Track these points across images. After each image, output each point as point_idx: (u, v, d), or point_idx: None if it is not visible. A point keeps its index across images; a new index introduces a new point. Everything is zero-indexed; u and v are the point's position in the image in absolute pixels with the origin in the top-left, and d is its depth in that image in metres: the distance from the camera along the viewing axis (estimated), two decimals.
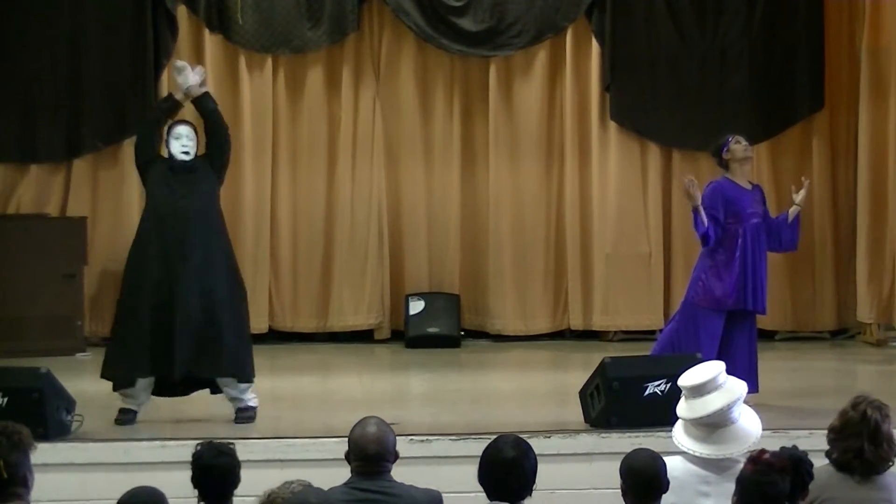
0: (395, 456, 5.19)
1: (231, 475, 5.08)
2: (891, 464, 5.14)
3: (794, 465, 4.67)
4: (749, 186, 9.05)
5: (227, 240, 8.60)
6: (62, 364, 9.58)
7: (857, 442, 5.08)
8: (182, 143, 8.32)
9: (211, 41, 12.23)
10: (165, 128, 8.44)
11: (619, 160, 12.45)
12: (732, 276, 8.85)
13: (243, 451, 7.59)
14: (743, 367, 8.34)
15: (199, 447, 5.13)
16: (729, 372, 5.56)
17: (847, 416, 5.14)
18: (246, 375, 8.43)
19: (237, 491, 7.27)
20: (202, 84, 8.51)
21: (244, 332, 8.55)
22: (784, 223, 9.09)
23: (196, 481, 5.04)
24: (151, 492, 4.76)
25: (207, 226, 8.37)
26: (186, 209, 8.26)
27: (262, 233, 12.25)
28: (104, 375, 8.45)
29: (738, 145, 9.02)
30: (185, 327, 8.20)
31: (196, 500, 5.07)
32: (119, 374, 8.35)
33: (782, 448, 4.78)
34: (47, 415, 7.75)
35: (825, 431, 5.25)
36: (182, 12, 12.17)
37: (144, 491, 4.76)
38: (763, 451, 4.63)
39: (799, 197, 9.17)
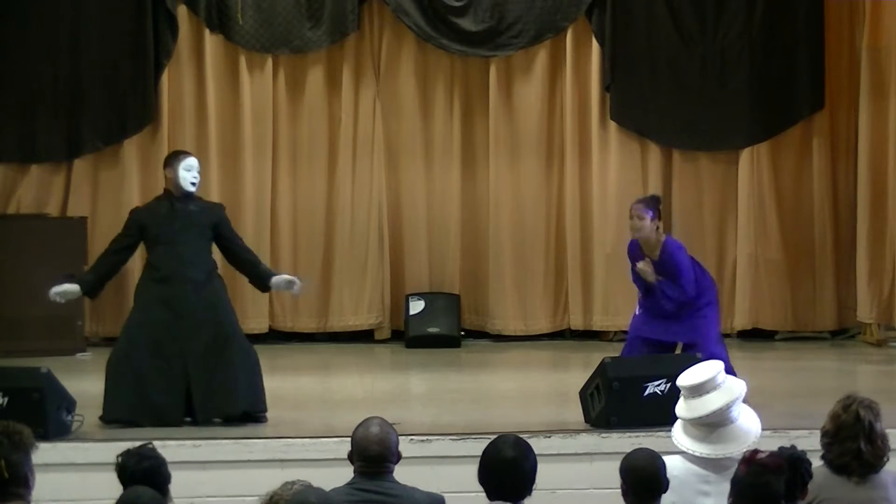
0: (398, 457, 5.19)
1: (159, 476, 5.03)
2: (886, 459, 5.14)
3: (792, 464, 4.67)
4: (655, 256, 9.01)
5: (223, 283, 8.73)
6: (62, 364, 9.58)
7: (853, 444, 5.08)
8: (193, 174, 8.59)
9: (211, 41, 12.23)
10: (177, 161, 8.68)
11: (619, 160, 12.45)
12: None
13: (244, 451, 7.70)
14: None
15: (120, 458, 5.09)
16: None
17: (840, 419, 5.13)
18: (260, 410, 8.46)
19: (237, 491, 7.31)
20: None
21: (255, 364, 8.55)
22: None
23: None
24: (149, 492, 4.75)
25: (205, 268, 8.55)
26: (185, 258, 8.46)
27: (262, 233, 12.25)
28: (110, 418, 8.33)
29: (630, 221, 9.06)
30: (198, 369, 8.33)
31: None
32: (127, 418, 8.32)
33: (780, 448, 4.78)
34: (47, 415, 7.75)
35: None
36: (182, 12, 12.17)
37: (142, 492, 4.75)
38: (756, 452, 4.62)
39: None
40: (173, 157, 8.76)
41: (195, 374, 8.29)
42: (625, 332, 12.14)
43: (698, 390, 5.43)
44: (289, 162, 12.37)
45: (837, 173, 12.65)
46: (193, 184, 8.59)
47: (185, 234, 8.50)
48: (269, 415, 8.50)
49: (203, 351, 8.31)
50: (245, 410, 8.35)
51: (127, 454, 5.09)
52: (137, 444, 5.22)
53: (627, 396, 7.99)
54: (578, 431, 8.00)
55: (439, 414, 8.88)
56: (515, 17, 12.35)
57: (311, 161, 12.38)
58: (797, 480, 4.66)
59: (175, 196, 8.60)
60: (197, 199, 8.73)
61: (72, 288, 8.59)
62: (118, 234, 8.76)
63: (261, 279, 8.80)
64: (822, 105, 12.52)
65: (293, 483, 4.67)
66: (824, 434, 5.16)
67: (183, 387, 8.30)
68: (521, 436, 4.97)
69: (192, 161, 8.65)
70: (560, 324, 12.56)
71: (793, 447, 4.80)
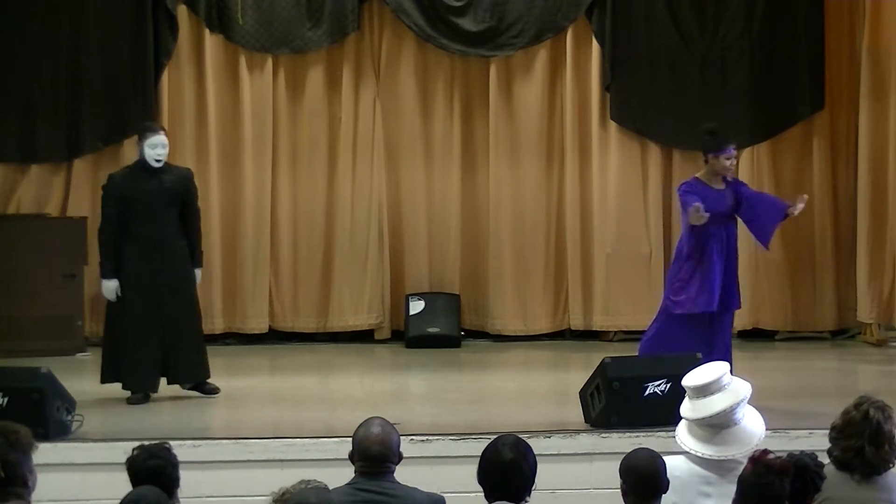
0: (399, 457, 5.19)
1: (165, 476, 5.01)
2: (891, 465, 5.13)
3: (800, 470, 4.67)
4: (722, 186, 9.05)
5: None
6: (62, 364, 9.59)
7: (857, 441, 5.07)
8: (157, 152, 9.09)
9: (211, 41, 12.23)
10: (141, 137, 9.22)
11: (619, 160, 12.45)
12: (709, 279, 8.95)
13: (244, 451, 7.69)
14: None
15: (133, 452, 5.11)
16: None
17: (849, 415, 5.13)
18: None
19: (237, 491, 7.30)
20: None
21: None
22: (771, 213, 9.14)
23: (133, 486, 5.01)
24: (153, 492, 4.74)
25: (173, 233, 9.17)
26: (158, 233, 9.11)
27: (262, 233, 12.25)
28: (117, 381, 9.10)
29: (727, 161, 9.03)
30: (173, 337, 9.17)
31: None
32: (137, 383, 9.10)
33: (802, 453, 4.79)
34: (48, 415, 7.75)
35: (825, 431, 5.24)
36: (182, 12, 12.17)
37: (147, 491, 4.74)
38: (765, 452, 4.62)
39: (796, 210, 9.14)
40: (141, 132, 9.25)
41: (171, 341, 9.07)
42: (625, 332, 12.23)
43: (703, 391, 5.43)
44: (289, 162, 12.36)
45: (837, 173, 12.65)
46: (158, 161, 9.05)
47: (162, 210, 9.04)
48: (269, 415, 8.57)
49: (177, 320, 9.09)
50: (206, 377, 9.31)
51: (139, 450, 5.10)
52: (144, 442, 5.22)
53: (627, 396, 7.99)
54: (578, 431, 8.00)
55: (439, 414, 8.88)
56: (515, 16, 12.35)
57: (311, 161, 12.38)
58: (800, 486, 4.66)
59: (149, 168, 9.06)
60: (169, 167, 9.22)
61: (115, 284, 9.04)
62: (106, 212, 9.17)
63: None
64: (822, 105, 12.52)
65: (308, 482, 4.67)
66: (832, 429, 5.17)
67: (159, 356, 9.07)
68: (521, 436, 4.97)
69: (156, 139, 9.08)
70: (560, 324, 12.56)
71: (811, 455, 4.80)
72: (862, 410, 5.11)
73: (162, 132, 9.21)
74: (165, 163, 9.15)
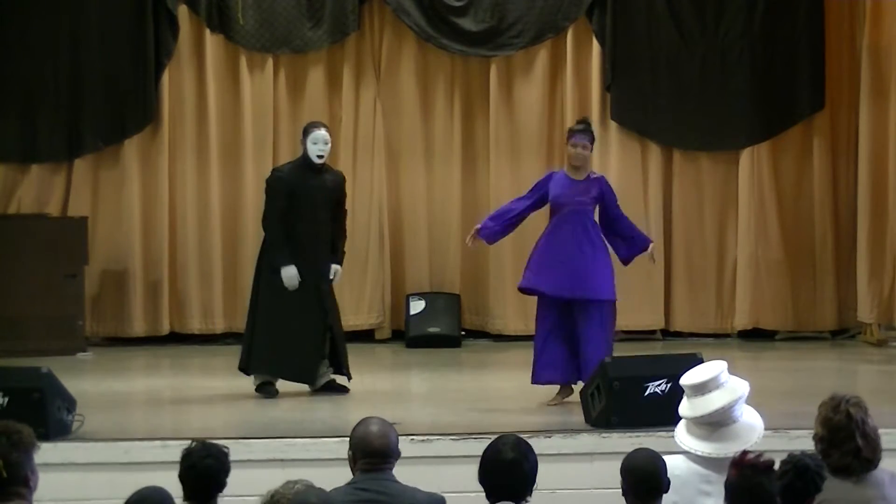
0: (398, 454, 5.20)
1: (214, 479, 5.02)
2: (881, 454, 5.12)
3: (800, 471, 4.66)
4: (581, 177, 9.07)
5: None
6: (63, 364, 9.58)
7: (851, 443, 5.04)
8: (319, 147, 9.22)
9: (212, 41, 12.24)
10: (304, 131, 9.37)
11: (619, 160, 12.45)
12: (541, 261, 9.18)
13: (244, 451, 7.68)
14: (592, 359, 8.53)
15: (192, 444, 5.11)
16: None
17: (832, 421, 5.07)
18: None
19: (237, 491, 7.27)
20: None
21: None
22: (636, 242, 9.28)
23: (181, 478, 5.03)
24: (159, 492, 4.74)
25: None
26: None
27: (263, 233, 12.22)
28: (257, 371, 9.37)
29: (573, 149, 9.08)
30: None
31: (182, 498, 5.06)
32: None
33: (803, 453, 4.77)
34: (48, 415, 7.74)
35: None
36: (183, 12, 12.18)
37: (150, 492, 4.74)
38: (744, 454, 4.60)
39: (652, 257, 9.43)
40: (305, 129, 9.39)
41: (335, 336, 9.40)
42: (625, 332, 12.20)
43: (701, 389, 5.43)
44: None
45: (837, 173, 12.65)
46: (320, 157, 9.22)
47: (321, 208, 9.27)
48: (269, 414, 8.60)
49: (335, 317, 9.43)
50: None
51: (198, 444, 5.12)
52: (206, 440, 5.24)
53: (628, 396, 7.98)
54: (578, 431, 7.99)
55: (439, 414, 8.88)
56: (516, 16, 12.35)
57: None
58: (803, 487, 4.65)
59: (313, 165, 9.20)
60: (328, 167, 9.43)
61: (295, 270, 9.15)
62: (275, 204, 9.24)
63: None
64: (823, 105, 12.53)
65: (295, 482, 4.67)
66: (819, 440, 5.09)
67: (320, 349, 9.33)
68: (521, 436, 4.97)
69: (319, 134, 9.25)
70: None
71: (812, 455, 4.78)
72: (843, 412, 5.07)
73: (324, 128, 9.35)
74: (325, 163, 9.33)
